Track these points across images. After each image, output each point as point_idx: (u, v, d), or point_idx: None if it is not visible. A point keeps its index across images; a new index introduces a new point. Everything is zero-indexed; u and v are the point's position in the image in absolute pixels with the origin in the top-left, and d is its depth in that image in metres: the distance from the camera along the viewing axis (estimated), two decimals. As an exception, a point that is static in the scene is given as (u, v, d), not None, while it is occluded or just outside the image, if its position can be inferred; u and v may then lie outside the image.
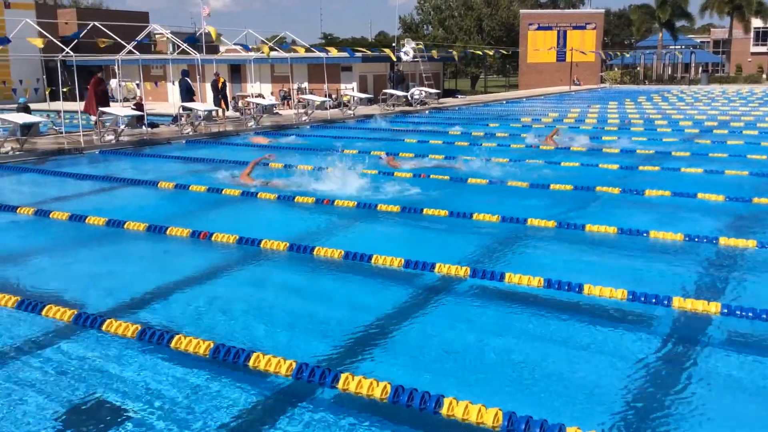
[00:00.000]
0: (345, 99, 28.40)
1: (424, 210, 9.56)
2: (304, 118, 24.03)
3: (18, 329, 5.62)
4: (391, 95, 29.89)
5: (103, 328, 5.39)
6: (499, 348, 5.31)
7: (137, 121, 20.24)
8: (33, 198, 10.83)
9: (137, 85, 32.54)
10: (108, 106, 19.94)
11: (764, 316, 5.56)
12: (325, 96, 27.05)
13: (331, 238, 8.55)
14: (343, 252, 7.39)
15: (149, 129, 20.38)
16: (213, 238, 8.17)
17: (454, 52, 40.20)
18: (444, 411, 4.07)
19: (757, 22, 66.48)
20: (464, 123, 23.84)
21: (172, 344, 5.03)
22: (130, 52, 21.22)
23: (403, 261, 7.05)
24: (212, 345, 4.90)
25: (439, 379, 4.71)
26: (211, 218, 9.90)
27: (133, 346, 5.20)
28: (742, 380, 4.76)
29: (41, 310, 5.76)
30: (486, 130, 21.14)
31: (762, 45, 72.41)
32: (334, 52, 29.45)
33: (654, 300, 5.93)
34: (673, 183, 11.53)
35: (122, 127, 17.97)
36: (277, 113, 26.35)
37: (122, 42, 20.57)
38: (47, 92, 24.11)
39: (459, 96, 41.28)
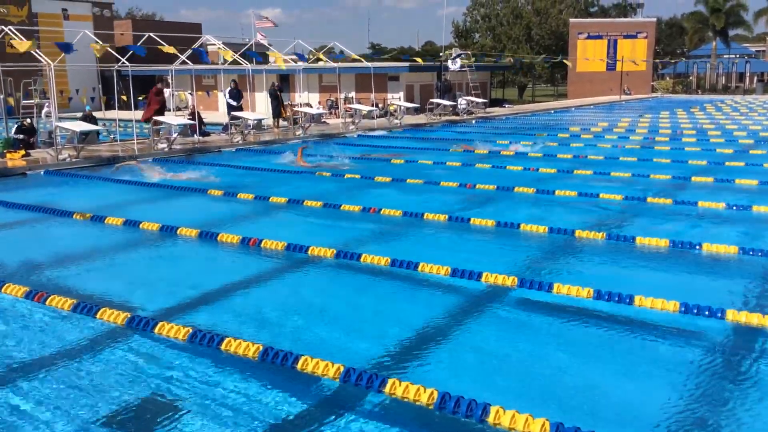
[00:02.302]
0: (391, 108, 28.53)
1: (472, 220, 9.54)
2: (351, 127, 24.20)
3: (73, 331, 5.79)
4: (438, 105, 29.90)
5: (155, 330, 5.52)
6: (546, 358, 5.26)
7: (191, 129, 20.67)
8: (88, 203, 11.13)
9: (190, 94, 33.22)
10: (163, 115, 20.45)
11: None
12: (372, 105, 27.21)
13: (377, 246, 8.59)
14: (389, 259, 7.42)
15: (200, 137, 20.80)
16: (262, 245, 8.30)
17: (508, 59, 39.91)
18: (490, 419, 4.06)
19: (816, 31, 64.51)
20: (510, 133, 23.70)
21: (222, 347, 5.13)
22: (183, 62, 21.70)
23: (449, 269, 7.04)
24: (261, 348, 4.98)
25: (485, 388, 4.69)
26: (260, 225, 10.04)
27: (184, 348, 5.31)
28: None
29: (96, 313, 5.92)
30: (533, 140, 20.99)
31: (821, 54, 70.22)
32: (389, 60, 29.56)
33: (707, 312, 5.80)
34: (727, 194, 11.27)
35: (175, 135, 18.37)
36: (324, 122, 26.61)
37: (177, 52, 21.04)
38: (103, 101, 24.83)
39: (506, 105, 41.07)
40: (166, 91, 28.42)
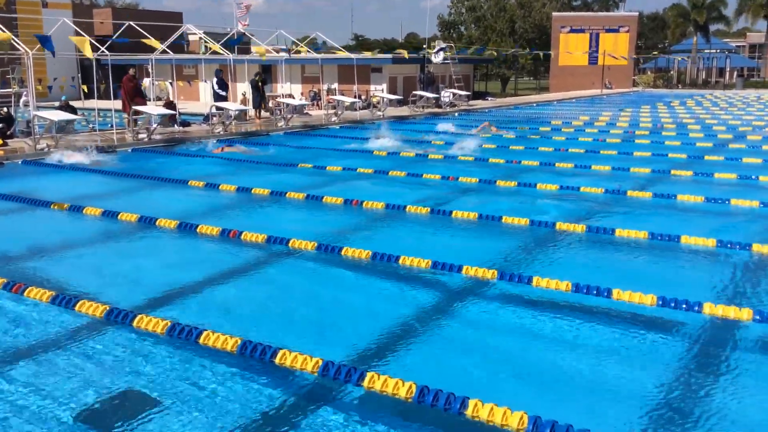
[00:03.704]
0: (374, 100, 28.44)
1: (454, 213, 9.55)
2: (333, 119, 24.12)
3: (51, 324, 5.72)
4: (421, 97, 29.87)
5: (134, 323, 5.48)
6: (525, 351, 5.29)
7: (169, 119, 20.49)
8: (66, 194, 11.01)
9: (170, 83, 32.91)
10: (143, 99, 20.23)
11: (797, 324, 5.46)
12: (355, 97, 27.13)
13: (359, 239, 8.57)
14: (370, 252, 7.41)
15: (181, 128, 20.64)
16: (242, 237, 8.25)
17: (492, 52, 39.94)
18: (469, 412, 4.07)
19: (795, 27, 65.13)
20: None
21: (201, 340, 5.10)
22: (163, 51, 21.50)
23: (430, 262, 7.04)
24: (240, 341, 4.96)
25: (464, 381, 4.70)
26: (241, 217, 9.98)
27: (162, 341, 5.27)
28: (773, 389, 4.69)
29: (74, 305, 5.86)
30: (516, 133, 21.08)
31: (800, 49, 70.89)
32: (368, 54, 29.44)
33: (684, 306, 5.86)
34: (705, 188, 11.38)
35: (155, 125, 18.20)
36: (307, 113, 26.48)
37: (155, 43, 20.84)
38: (82, 90, 24.52)
39: (489, 98, 41.12)
40: (146, 80, 28.17)
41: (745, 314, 5.69)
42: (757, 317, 5.63)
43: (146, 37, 19.87)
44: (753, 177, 12.53)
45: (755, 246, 7.77)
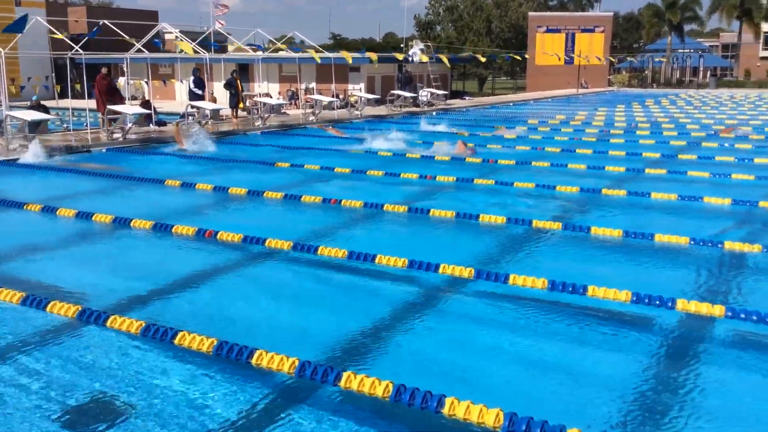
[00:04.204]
0: (352, 99, 28.41)
1: (431, 211, 9.56)
2: (311, 118, 24.06)
3: (23, 325, 5.64)
4: (399, 96, 29.89)
5: (107, 324, 5.42)
6: (502, 349, 5.31)
7: (145, 119, 20.31)
8: (40, 195, 10.86)
9: (146, 83, 32.57)
10: (117, 98, 20.01)
11: (768, 320, 5.54)
12: (333, 96, 27.07)
13: (335, 238, 8.56)
14: (347, 252, 7.40)
15: (156, 127, 20.47)
16: (218, 237, 8.20)
17: (469, 52, 40.15)
18: (445, 411, 4.08)
19: (766, 27, 65.97)
20: (469, 125, 23.88)
21: (176, 341, 5.05)
22: (138, 50, 21.30)
23: (407, 261, 7.04)
24: (216, 342, 4.92)
25: (441, 379, 4.71)
26: (217, 216, 9.92)
27: (136, 342, 5.22)
28: (745, 383, 4.75)
29: (46, 306, 5.79)
30: (493, 132, 21.17)
31: (771, 49, 71.98)
32: (346, 55, 29.36)
33: (658, 302, 5.92)
34: (679, 186, 11.51)
35: (130, 125, 18.02)
36: (284, 113, 26.36)
37: (132, 41, 20.66)
38: (56, 90, 24.22)
39: (467, 97, 41.26)
40: (121, 80, 27.86)
41: (717, 310, 5.76)
42: (729, 313, 5.70)
43: (121, 36, 19.68)
44: (725, 175, 12.70)
45: (727, 243, 7.88)
